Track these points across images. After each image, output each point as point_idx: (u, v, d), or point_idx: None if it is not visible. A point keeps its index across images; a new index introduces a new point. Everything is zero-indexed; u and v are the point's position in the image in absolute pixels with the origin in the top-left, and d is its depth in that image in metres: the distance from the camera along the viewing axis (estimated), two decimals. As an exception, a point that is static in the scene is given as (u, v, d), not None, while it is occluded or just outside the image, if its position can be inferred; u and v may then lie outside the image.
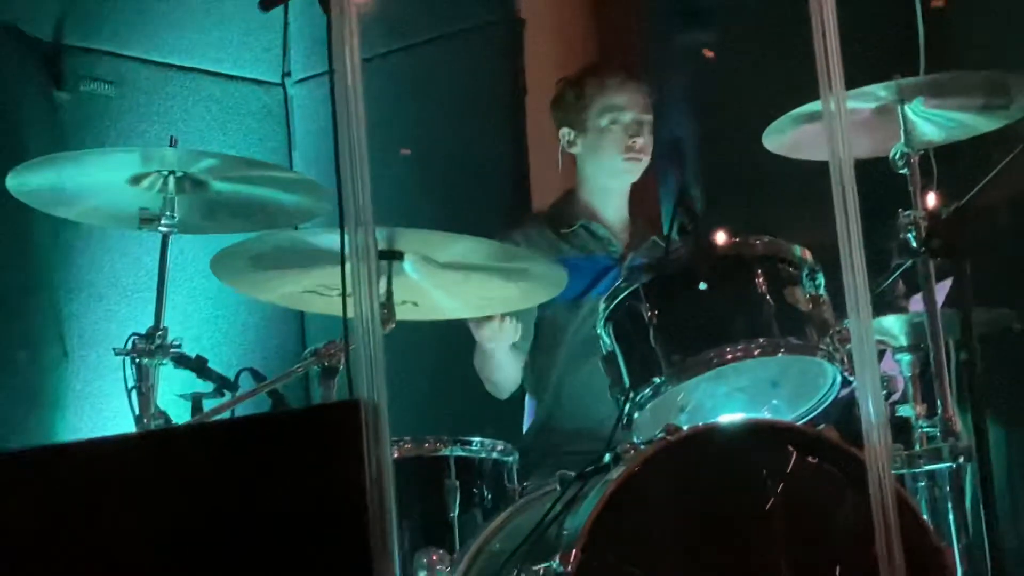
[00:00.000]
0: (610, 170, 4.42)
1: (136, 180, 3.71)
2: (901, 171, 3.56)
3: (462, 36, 5.52)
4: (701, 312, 3.27)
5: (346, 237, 2.14)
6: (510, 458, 3.57)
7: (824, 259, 3.27)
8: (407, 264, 3.47)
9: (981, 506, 3.06)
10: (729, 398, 3.37)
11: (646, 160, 4.41)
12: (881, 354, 3.77)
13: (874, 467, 2.22)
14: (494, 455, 3.54)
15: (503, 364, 4.27)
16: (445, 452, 3.47)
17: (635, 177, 4.45)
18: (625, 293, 3.32)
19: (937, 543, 3.02)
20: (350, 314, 2.16)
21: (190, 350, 3.75)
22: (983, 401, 3.11)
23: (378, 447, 2.03)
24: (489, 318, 4.01)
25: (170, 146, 3.74)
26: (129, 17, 5.33)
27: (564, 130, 4.48)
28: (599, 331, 3.39)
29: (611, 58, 5.28)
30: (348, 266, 2.17)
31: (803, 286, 3.30)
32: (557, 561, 2.81)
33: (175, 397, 3.79)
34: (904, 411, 3.57)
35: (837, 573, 2.94)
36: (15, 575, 2.15)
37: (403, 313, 3.48)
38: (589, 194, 4.48)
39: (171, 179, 3.70)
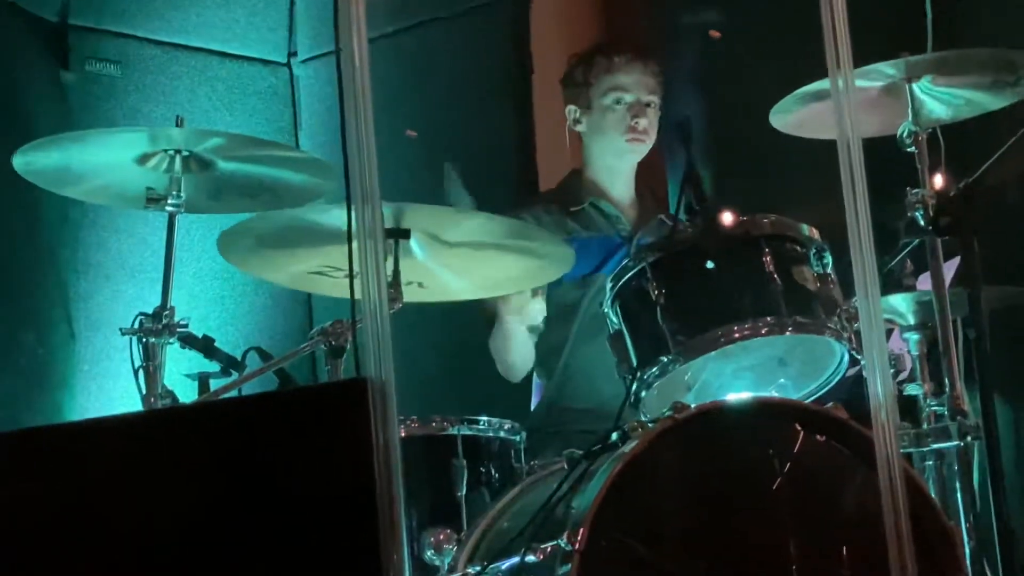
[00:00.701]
0: (613, 150, 4.42)
1: (143, 160, 3.71)
2: (909, 149, 3.55)
3: (469, 15, 5.51)
4: (708, 291, 3.26)
5: (353, 216, 2.14)
6: (517, 437, 3.57)
7: (832, 238, 3.27)
8: (414, 243, 3.47)
9: (989, 485, 3.06)
10: (736, 377, 3.37)
11: (650, 141, 4.41)
12: (889, 333, 3.77)
13: (882, 446, 2.22)
14: (501, 434, 3.54)
15: (520, 345, 4.26)
16: (452, 431, 3.47)
17: (638, 157, 4.45)
18: (632, 272, 3.32)
19: (945, 522, 3.02)
20: (357, 293, 2.16)
21: (197, 330, 3.75)
22: (991, 380, 3.11)
23: (385, 426, 2.03)
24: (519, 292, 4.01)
25: (176, 126, 3.74)
26: (134, -3, 5.34)
27: (570, 107, 4.49)
28: (606, 310, 3.39)
29: (618, 37, 5.27)
30: (355, 245, 2.16)
31: (811, 265, 3.30)
32: (565, 539, 2.81)
33: (182, 377, 3.79)
34: (912, 390, 3.57)
35: (845, 552, 2.94)
36: (24, 553, 2.15)
37: (410, 294, 3.48)
38: (595, 173, 4.48)
39: (178, 159, 3.70)
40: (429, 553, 3.32)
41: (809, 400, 3.35)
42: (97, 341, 4.99)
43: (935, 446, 3.43)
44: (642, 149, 4.42)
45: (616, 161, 4.45)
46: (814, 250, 3.31)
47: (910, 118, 3.56)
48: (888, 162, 3.36)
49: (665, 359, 3.24)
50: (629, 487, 2.87)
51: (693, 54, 5.45)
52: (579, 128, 4.48)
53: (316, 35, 5.66)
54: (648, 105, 4.39)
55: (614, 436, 3.04)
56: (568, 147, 4.58)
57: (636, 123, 4.36)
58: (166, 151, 3.69)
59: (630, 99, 4.38)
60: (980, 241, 3.19)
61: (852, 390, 3.33)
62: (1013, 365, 4.14)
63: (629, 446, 2.95)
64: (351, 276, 2.55)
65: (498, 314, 4.19)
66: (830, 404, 3.07)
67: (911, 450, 3.42)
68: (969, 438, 3.35)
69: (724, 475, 2.98)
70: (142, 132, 3.85)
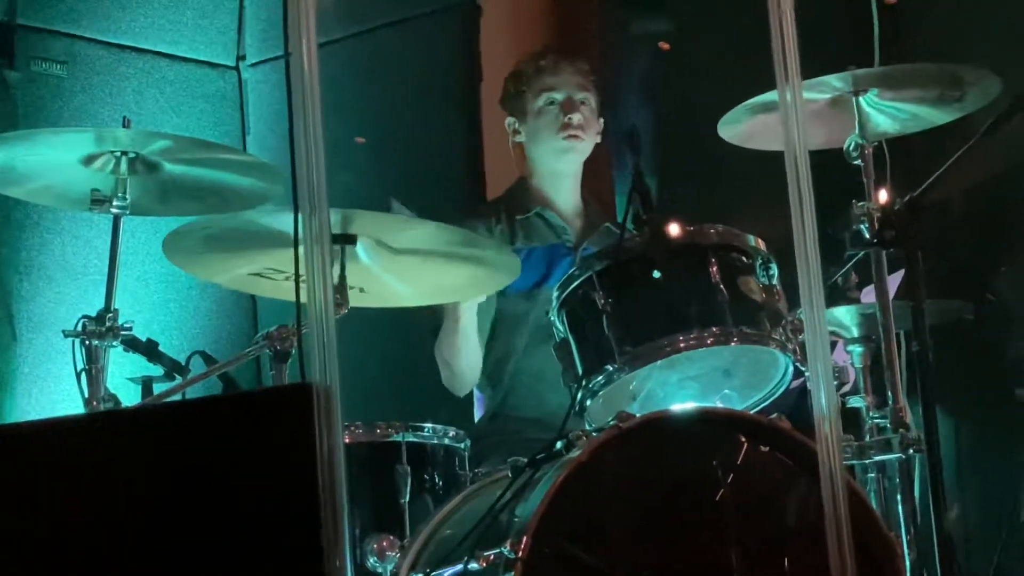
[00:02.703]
0: (551, 151, 4.42)
1: (88, 161, 3.69)
2: (855, 162, 3.57)
3: (418, 22, 5.51)
4: (655, 300, 3.27)
5: (300, 221, 2.13)
6: (462, 444, 3.57)
7: (778, 249, 3.28)
8: (360, 248, 3.46)
9: (930, 496, 3.08)
10: (681, 387, 3.38)
11: (587, 138, 4.40)
12: (833, 345, 3.79)
13: (825, 457, 2.23)
14: (446, 441, 3.54)
15: (466, 347, 4.24)
16: (397, 437, 3.46)
17: (579, 156, 4.44)
18: (579, 281, 3.32)
19: (886, 533, 3.03)
20: (303, 298, 2.15)
21: (141, 333, 3.73)
22: (933, 393, 3.13)
23: (329, 431, 2.02)
24: None
25: (123, 127, 3.71)
26: (82, -4, 5.30)
27: (508, 120, 4.51)
28: (552, 318, 3.39)
29: (565, 46, 5.28)
30: (302, 250, 2.16)
31: (757, 276, 3.31)
32: (508, 547, 2.81)
33: (125, 380, 3.77)
34: (855, 402, 3.58)
35: (786, 561, 2.95)
36: (-39, 556, 2.13)
37: (351, 299, 3.47)
38: (540, 181, 4.47)
39: (123, 160, 3.67)
40: (372, 560, 3.31)
41: (753, 411, 3.36)
42: (39, 343, 4.95)
43: (877, 458, 3.46)
44: (580, 147, 4.41)
45: (556, 164, 4.44)
46: (760, 261, 3.33)
47: (857, 131, 3.58)
48: (834, 175, 3.37)
49: (611, 368, 3.24)
50: (573, 495, 2.87)
51: (643, 63, 5.47)
52: (518, 139, 4.49)
53: (265, 39, 5.64)
54: (582, 103, 4.40)
55: (558, 444, 3.04)
56: (515, 163, 4.58)
57: (569, 119, 4.36)
58: (112, 152, 3.67)
59: (560, 97, 4.39)
60: (924, 255, 3.21)
61: (796, 402, 3.34)
62: (955, 379, 4.18)
63: (573, 454, 2.95)
64: (297, 281, 2.55)
65: (447, 314, 4.17)
66: (774, 415, 3.09)
67: (854, 462, 3.44)
68: (911, 450, 3.38)
69: (668, 484, 2.99)
70: (88, 132, 3.82)
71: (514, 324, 4.33)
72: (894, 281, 3.52)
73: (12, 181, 3.79)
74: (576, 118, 4.36)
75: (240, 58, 5.68)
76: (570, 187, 4.47)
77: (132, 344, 3.70)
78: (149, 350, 3.74)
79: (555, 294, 3.39)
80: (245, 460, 2.10)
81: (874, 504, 3.35)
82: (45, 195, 3.91)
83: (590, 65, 4.52)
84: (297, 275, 2.52)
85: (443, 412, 4.01)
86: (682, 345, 3.22)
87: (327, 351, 2.06)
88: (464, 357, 4.26)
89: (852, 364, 3.72)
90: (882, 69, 3.77)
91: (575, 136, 4.37)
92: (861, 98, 3.60)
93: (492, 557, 2.86)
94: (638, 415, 3.00)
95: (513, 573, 2.79)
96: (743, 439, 3.04)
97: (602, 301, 3.26)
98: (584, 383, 3.28)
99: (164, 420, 2.27)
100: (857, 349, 3.72)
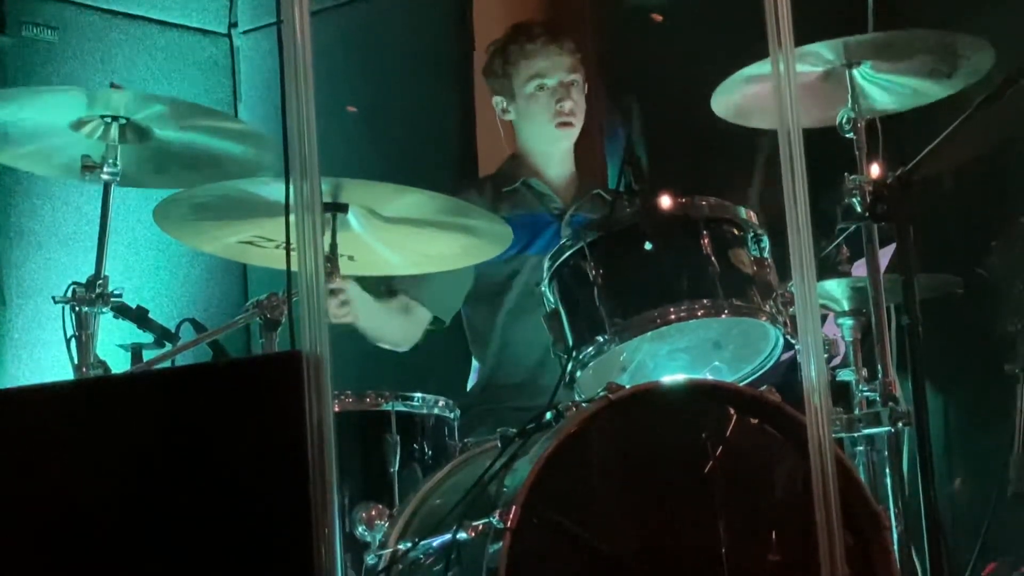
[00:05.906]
0: (543, 136, 4.42)
1: (78, 125, 3.67)
2: (847, 135, 3.57)
3: (411, -9, 5.50)
4: (646, 272, 3.27)
5: (291, 189, 2.13)
6: (451, 414, 3.58)
7: (769, 222, 3.28)
8: (351, 216, 3.46)
9: (918, 470, 3.09)
10: (671, 358, 3.38)
11: (579, 122, 4.40)
12: (823, 318, 3.79)
13: (814, 430, 2.24)
14: (435, 411, 3.54)
15: (379, 336, 4.25)
16: (386, 407, 3.47)
17: (571, 140, 4.44)
18: (570, 251, 3.32)
19: (874, 506, 3.04)
20: (294, 266, 2.15)
21: (131, 300, 3.73)
22: (923, 367, 3.14)
23: (319, 400, 2.03)
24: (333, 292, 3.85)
25: (113, 87, 3.70)
26: (74, -39, 5.27)
27: (496, 98, 4.50)
28: (544, 289, 3.39)
29: (558, 16, 5.27)
30: (293, 218, 2.16)
31: (748, 248, 3.31)
32: (496, 517, 2.81)
33: (115, 347, 3.76)
34: (845, 375, 3.59)
35: (774, 534, 2.96)
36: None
37: (341, 267, 3.47)
38: (531, 156, 4.47)
39: (114, 126, 3.66)
40: (360, 529, 3.32)
41: (743, 383, 3.37)
42: (28, 309, 4.95)
43: (866, 431, 3.46)
44: (572, 132, 4.41)
45: (548, 147, 4.45)
46: (752, 234, 3.33)
47: (849, 104, 3.58)
48: (827, 148, 3.37)
49: (601, 339, 3.24)
50: (562, 466, 2.87)
51: (634, 34, 5.46)
52: (508, 117, 4.49)
53: (257, 6, 5.60)
54: (572, 84, 4.38)
55: (548, 415, 3.05)
56: (504, 135, 4.57)
57: (561, 106, 4.35)
58: (103, 117, 3.66)
59: (551, 83, 4.38)
60: (915, 229, 3.21)
61: (786, 374, 3.35)
62: (944, 353, 4.18)
63: (563, 425, 2.95)
64: (287, 249, 2.54)
65: None
66: (764, 388, 3.09)
67: (843, 435, 3.45)
68: (900, 424, 3.38)
69: (657, 456, 2.99)
70: (80, 95, 3.79)
71: (496, 290, 4.33)
72: (885, 255, 3.52)
73: (2, 146, 3.77)
74: (568, 105, 4.36)
75: (232, 25, 5.65)
76: (562, 159, 4.48)
77: (122, 311, 3.69)
78: (139, 317, 3.73)
79: (546, 265, 3.39)
80: (234, 428, 2.10)
81: (863, 477, 3.36)
82: (35, 161, 3.89)
83: (578, 39, 4.50)
84: (288, 243, 2.51)
85: (434, 382, 4.01)
86: (672, 317, 3.22)
87: (317, 319, 2.06)
88: (386, 341, 4.28)
89: (842, 337, 3.72)
90: (874, 36, 3.75)
91: (568, 124, 4.37)
92: (855, 71, 3.59)
93: (481, 527, 2.87)
94: (628, 386, 3.00)
95: (501, 543, 2.79)
96: (732, 411, 3.04)
97: (593, 272, 3.26)
98: (574, 354, 3.28)
99: (153, 387, 2.27)
100: (847, 322, 3.73)
